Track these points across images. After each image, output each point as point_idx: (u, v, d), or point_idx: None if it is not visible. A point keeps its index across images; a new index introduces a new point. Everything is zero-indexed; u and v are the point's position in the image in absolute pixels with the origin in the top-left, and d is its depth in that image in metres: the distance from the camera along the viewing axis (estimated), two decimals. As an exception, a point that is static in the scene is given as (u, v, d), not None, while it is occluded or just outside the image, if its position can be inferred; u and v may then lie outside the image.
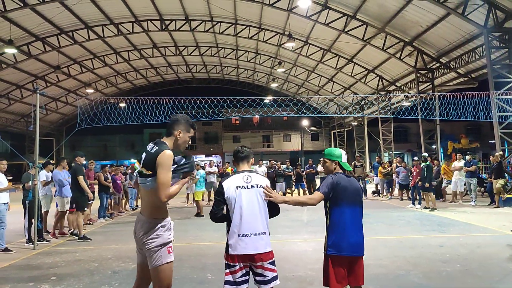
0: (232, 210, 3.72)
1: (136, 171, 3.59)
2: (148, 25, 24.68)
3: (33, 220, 8.77)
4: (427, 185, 13.57)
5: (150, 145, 3.65)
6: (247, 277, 3.76)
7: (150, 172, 3.41)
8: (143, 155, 3.59)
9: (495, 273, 6.22)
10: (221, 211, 3.77)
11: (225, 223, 3.81)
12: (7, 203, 8.49)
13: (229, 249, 3.73)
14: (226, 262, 3.78)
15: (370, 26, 20.52)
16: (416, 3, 17.13)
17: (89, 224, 12.04)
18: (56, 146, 35.94)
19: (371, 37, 21.15)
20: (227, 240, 3.77)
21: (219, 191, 3.78)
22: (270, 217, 3.90)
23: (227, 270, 3.76)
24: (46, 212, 10.20)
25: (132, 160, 54.53)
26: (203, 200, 16.87)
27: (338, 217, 3.94)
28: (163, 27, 24.86)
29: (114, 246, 8.89)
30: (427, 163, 14.02)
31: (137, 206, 16.62)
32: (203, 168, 16.98)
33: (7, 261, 7.62)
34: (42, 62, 26.93)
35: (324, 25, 21.08)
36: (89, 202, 12.20)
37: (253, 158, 4.13)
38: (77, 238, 9.61)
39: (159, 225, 3.55)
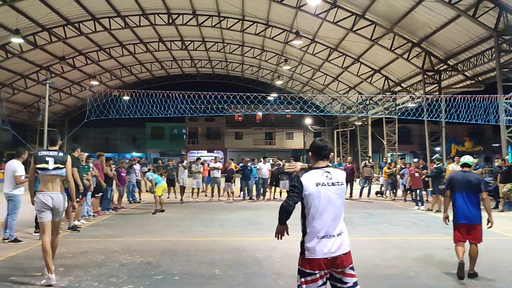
0: (310, 208, 3.43)
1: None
2: (155, 18, 24.60)
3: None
4: (441, 186, 13.24)
5: None
6: (326, 286, 3.45)
7: None
8: None
9: (505, 277, 6.20)
10: (294, 206, 3.46)
11: (300, 222, 3.54)
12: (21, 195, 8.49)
13: (306, 252, 3.43)
14: (301, 269, 3.45)
15: (378, 26, 20.42)
16: (426, 4, 17.03)
17: (95, 216, 12.01)
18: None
19: (379, 37, 21.05)
20: (303, 242, 3.46)
21: (297, 186, 3.45)
22: None
23: (304, 279, 3.41)
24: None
25: (135, 154, 54.69)
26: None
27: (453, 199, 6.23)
28: (170, 21, 24.77)
29: (120, 239, 8.86)
30: (438, 165, 13.92)
31: (140, 199, 16.62)
32: (202, 163, 17.14)
33: (15, 251, 7.60)
34: (47, 53, 26.86)
35: (332, 23, 20.99)
36: (97, 195, 12.22)
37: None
38: (72, 230, 9.60)
39: None
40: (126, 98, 19.22)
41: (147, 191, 20.75)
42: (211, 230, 10.17)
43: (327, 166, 3.60)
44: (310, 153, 3.71)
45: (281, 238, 3.71)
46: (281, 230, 3.66)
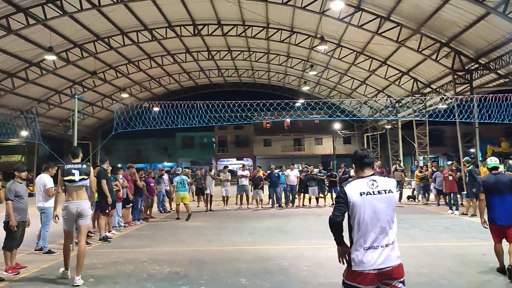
0: (355, 219, 3.33)
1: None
2: (181, 30, 24.99)
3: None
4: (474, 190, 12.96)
5: None
6: None
7: None
8: None
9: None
10: (342, 217, 3.36)
11: (347, 234, 3.42)
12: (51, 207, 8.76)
13: (353, 264, 3.28)
14: (345, 281, 3.32)
15: (404, 27, 20.03)
16: (453, 3, 16.59)
17: (126, 226, 12.23)
18: (92, 149, 36.87)
19: (406, 39, 20.64)
20: (349, 254, 3.34)
21: (341, 196, 3.39)
22: None
23: None
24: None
25: (166, 164, 55.60)
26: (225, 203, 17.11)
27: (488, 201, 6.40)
28: (196, 32, 25.11)
29: (149, 249, 8.99)
30: (470, 167, 13.49)
31: (171, 209, 16.82)
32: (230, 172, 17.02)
33: (48, 262, 7.82)
34: (79, 68, 27.69)
35: (357, 27, 20.74)
36: (127, 206, 12.47)
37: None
38: (103, 241, 9.82)
39: None
40: (156, 109, 19.59)
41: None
42: (239, 238, 10.18)
43: (373, 175, 3.50)
44: (353, 165, 3.65)
45: (344, 263, 3.44)
46: (341, 253, 3.46)
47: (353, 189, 3.37)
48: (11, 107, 25.27)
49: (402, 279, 3.28)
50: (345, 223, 3.44)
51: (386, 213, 3.32)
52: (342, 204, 3.36)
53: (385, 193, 3.36)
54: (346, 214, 3.41)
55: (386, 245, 3.26)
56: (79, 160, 6.87)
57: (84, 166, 6.71)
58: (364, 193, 3.33)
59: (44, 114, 32.30)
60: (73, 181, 6.55)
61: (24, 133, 28.13)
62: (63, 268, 6.66)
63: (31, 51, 23.03)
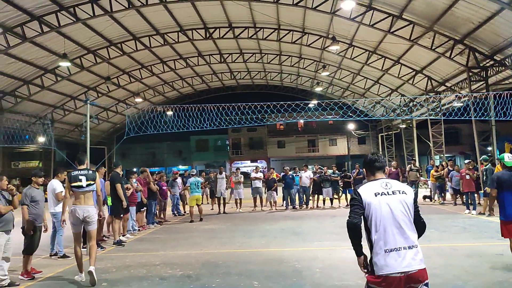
0: (371, 220, 3.25)
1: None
2: (193, 34, 25.13)
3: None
4: (488, 189, 12.76)
5: None
6: None
7: None
8: None
9: None
10: (360, 219, 3.27)
11: (365, 237, 3.32)
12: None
13: (375, 268, 3.17)
14: (371, 285, 3.21)
15: (417, 25, 19.81)
16: (466, -1, 16.39)
17: (140, 230, 12.31)
18: (108, 154, 37.25)
19: (419, 37, 20.40)
20: (371, 258, 3.25)
21: (356, 198, 3.34)
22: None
23: None
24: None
25: (181, 167, 55.91)
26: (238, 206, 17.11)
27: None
28: (207, 35, 25.22)
29: (162, 252, 9.02)
30: (488, 166, 13.24)
31: (185, 212, 16.88)
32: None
33: (62, 267, 7.90)
34: (93, 74, 28.05)
35: (369, 26, 20.58)
36: (141, 210, 12.55)
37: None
38: (117, 245, 9.88)
39: None
40: (169, 113, 19.72)
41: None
42: (253, 241, 10.15)
43: (385, 178, 3.49)
44: (364, 169, 3.65)
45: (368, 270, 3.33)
46: (361, 264, 3.36)
47: (367, 191, 3.32)
48: (28, 114, 25.71)
49: (426, 282, 3.19)
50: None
51: (403, 213, 3.24)
52: (358, 206, 3.29)
53: (399, 193, 3.30)
54: (362, 217, 3.33)
55: (409, 247, 3.17)
56: (85, 166, 7.18)
57: (90, 172, 7.03)
58: (378, 193, 3.28)
59: (60, 120, 32.81)
60: (81, 186, 6.83)
61: (41, 139, 28.60)
62: (79, 272, 6.79)
63: (46, 58, 23.43)
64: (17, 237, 7.05)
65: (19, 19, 18.92)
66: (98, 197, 7.41)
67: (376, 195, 3.27)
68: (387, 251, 3.14)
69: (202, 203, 14.75)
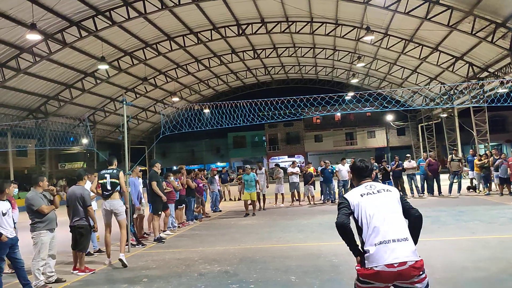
0: (361, 218, 3.32)
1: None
2: (226, 31, 25.29)
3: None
4: None
5: None
6: None
7: None
8: None
9: None
10: (348, 219, 3.32)
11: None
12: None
13: (366, 261, 3.21)
14: (361, 278, 3.27)
15: (455, 10, 19.05)
16: (508, -20, 15.62)
17: (179, 227, 12.54)
18: (149, 153, 38.16)
19: (458, 22, 19.62)
20: (363, 252, 3.29)
21: (343, 202, 3.45)
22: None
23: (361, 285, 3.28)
24: (136, 218, 10.67)
25: (219, 164, 56.57)
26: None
27: None
28: (240, 32, 25.32)
29: (201, 248, 9.14)
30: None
31: (220, 210, 17.01)
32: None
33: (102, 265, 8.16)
34: (131, 75, 28.81)
35: (404, 14, 19.98)
36: (180, 206, 12.78)
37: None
38: (157, 242, 10.09)
39: None
40: (206, 111, 19.94)
41: (231, 199, 21.31)
42: (290, 235, 10.12)
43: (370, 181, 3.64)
44: (352, 174, 3.84)
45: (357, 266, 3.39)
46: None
47: (353, 194, 3.49)
48: (71, 117, 26.71)
49: (422, 277, 3.13)
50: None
51: (390, 208, 3.33)
52: (345, 207, 3.41)
53: (384, 191, 3.45)
54: (352, 220, 3.40)
55: (398, 240, 3.17)
56: (113, 166, 8.40)
57: (115, 171, 8.22)
58: (364, 194, 3.44)
59: (101, 122, 33.90)
60: (105, 183, 8.12)
61: (84, 141, 29.65)
62: (107, 257, 8.03)
63: (85, 62, 24.27)
64: (62, 236, 7.34)
65: (59, 26, 19.66)
66: (123, 193, 8.43)
67: (362, 196, 3.43)
68: (377, 244, 3.18)
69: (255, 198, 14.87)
